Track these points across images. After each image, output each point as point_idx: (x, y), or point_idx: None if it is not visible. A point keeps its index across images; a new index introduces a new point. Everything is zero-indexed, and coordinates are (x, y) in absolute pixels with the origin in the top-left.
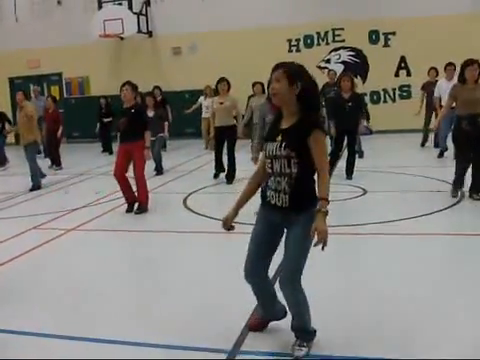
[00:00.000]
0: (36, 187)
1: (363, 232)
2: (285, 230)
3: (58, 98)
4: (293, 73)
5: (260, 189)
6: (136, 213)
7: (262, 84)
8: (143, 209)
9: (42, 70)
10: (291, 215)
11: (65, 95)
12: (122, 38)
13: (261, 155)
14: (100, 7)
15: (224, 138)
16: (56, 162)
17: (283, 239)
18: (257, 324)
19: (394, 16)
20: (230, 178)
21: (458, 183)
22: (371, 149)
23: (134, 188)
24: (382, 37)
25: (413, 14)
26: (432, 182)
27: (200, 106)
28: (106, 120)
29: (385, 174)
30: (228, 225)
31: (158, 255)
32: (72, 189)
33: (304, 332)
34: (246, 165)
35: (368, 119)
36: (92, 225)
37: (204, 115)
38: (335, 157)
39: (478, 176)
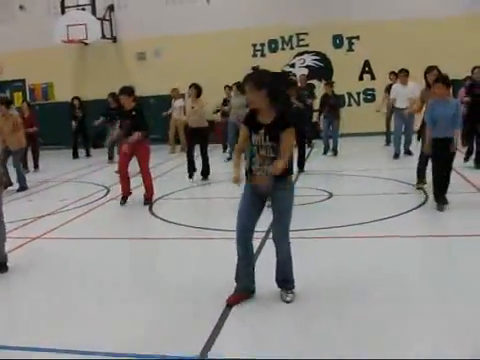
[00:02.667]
0: (23, 188)
1: (328, 236)
2: (269, 198)
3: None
4: (258, 82)
5: (244, 171)
6: (146, 204)
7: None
8: (150, 201)
9: (4, 76)
10: (274, 183)
11: (29, 101)
12: (86, 43)
13: (242, 132)
14: (63, 12)
15: (196, 139)
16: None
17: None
18: (234, 299)
19: (357, 20)
20: (206, 174)
21: (421, 175)
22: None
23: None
24: (346, 41)
25: (376, 18)
26: (396, 184)
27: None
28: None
29: (350, 177)
30: (239, 182)
31: (124, 263)
32: (37, 197)
33: (289, 282)
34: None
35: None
36: (58, 233)
37: (175, 115)
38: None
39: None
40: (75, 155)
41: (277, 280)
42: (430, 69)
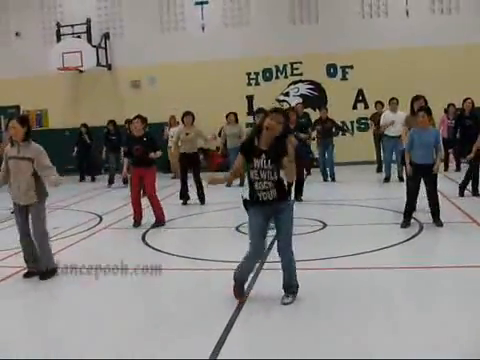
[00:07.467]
0: None
1: (324, 267)
2: (273, 217)
3: None
4: (286, 119)
5: (247, 196)
6: (155, 227)
7: (235, 114)
8: (161, 223)
9: None
10: (278, 205)
11: None
12: (81, 71)
13: (238, 158)
14: (59, 40)
15: (189, 163)
16: None
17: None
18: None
19: (351, 50)
20: (202, 198)
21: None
22: (327, 181)
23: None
24: (340, 70)
25: (370, 47)
26: (390, 214)
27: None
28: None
29: (343, 206)
30: (214, 183)
31: (114, 293)
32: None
33: (293, 286)
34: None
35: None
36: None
37: (170, 144)
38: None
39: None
40: (82, 178)
41: (284, 284)
42: (417, 98)
